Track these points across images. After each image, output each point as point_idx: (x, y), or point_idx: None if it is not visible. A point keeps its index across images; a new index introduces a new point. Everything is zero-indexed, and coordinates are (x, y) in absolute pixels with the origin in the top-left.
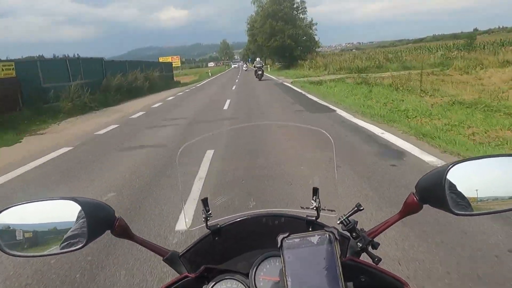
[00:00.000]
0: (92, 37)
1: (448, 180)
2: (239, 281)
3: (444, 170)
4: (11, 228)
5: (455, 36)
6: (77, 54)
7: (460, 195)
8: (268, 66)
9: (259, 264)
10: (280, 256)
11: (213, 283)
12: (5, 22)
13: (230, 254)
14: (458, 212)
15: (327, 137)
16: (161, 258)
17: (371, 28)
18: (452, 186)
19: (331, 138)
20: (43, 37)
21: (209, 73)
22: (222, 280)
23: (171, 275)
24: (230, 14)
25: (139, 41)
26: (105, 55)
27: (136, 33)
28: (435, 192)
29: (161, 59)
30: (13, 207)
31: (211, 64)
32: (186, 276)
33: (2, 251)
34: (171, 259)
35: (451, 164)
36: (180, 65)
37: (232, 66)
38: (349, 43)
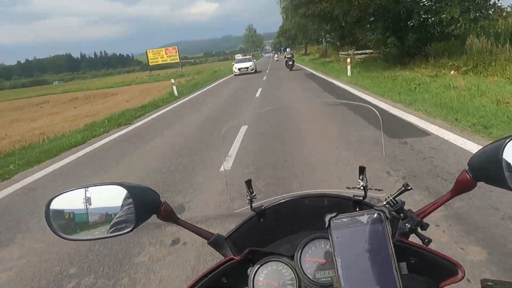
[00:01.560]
0: (125, 35)
1: (505, 155)
2: (284, 263)
3: (501, 145)
4: (64, 213)
5: None
6: (104, 51)
7: None
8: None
9: (304, 246)
10: (325, 238)
11: (258, 266)
12: (44, 23)
13: (274, 236)
14: None
15: (375, 114)
16: (206, 241)
17: None
18: (510, 162)
19: (379, 115)
20: (79, 35)
21: (219, 71)
22: (267, 262)
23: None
24: (260, 5)
25: (171, 37)
26: (136, 52)
27: (168, 29)
28: (490, 169)
29: (150, 53)
30: (64, 193)
31: (238, 56)
32: (231, 259)
33: (56, 234)
34: (216, 242)
35: (508, 139)
36: (178, 60)
37: (264, 55)
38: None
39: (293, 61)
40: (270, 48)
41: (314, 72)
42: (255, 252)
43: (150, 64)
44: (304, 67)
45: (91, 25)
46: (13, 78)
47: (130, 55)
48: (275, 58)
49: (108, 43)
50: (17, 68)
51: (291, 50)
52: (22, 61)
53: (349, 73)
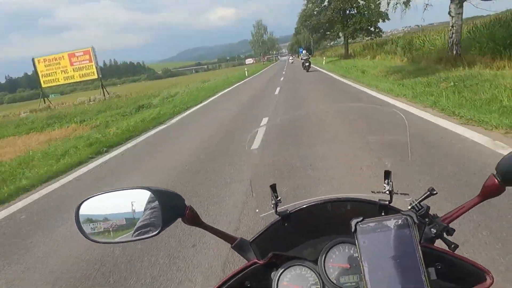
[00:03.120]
0: (145, 42)
1: None
2: (308, 267)
3: None
4: (92, 218)
5: None
6: (114, 59)
7: None
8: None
9: (328, 251)
10: (349, 243)
11: (282, 270)
12: (69, 34)
13: (298, 241)
14: None
15: (400, 117)
16: (230, 245)
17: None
18: None
19: (405, 119)
20: (101, 45)
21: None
22: (291, 266)
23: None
24: (277, 9)
25: (189, 43)
26: (153, 59)
27: (187, 35)
28: None
29: (40, 63)
30: (91, 198)
31: (249, 61)
32: (255, 263)
33: (86, 237)
34: (240, 246)
35: None
36: (96, 75)
37: (281, 59)
38: (406, 27)
39: (310, 63)
40: (286, 51)
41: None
42: (278, 256)
43: (42, 85)
44: None
45: (109, 35)
46: (18, 91)
47: (142, 63)
48: (290, 60)
49: (124, 52)
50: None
51: (307, 52)
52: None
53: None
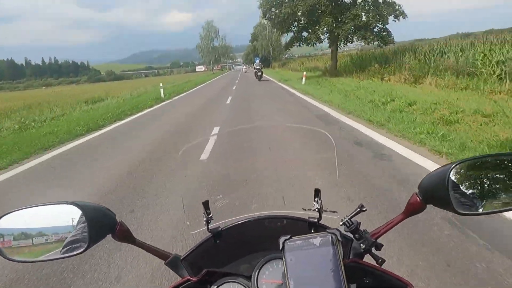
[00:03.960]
0: (96, 41)
1: (451, 179)
2: (241, 284)
3: (447, 170)
4: (11, 234)
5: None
6: (54, 58)
7: (463, 194)
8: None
9: (261, 267)
10: (282, 259)
11: (215, 287)
12: (13, 26)
13: (232, 257)
14: (462, 212)
15: (328, 138)
16: (163, 262)
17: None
18: (455, 186)
19: (332, 139)
20: (49, 41)
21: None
22: (225, 283)
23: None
24: (234, 18)
25: (144, 45)
26: (104, 59)
27: (140, 36)
28: (438, 192)
29: None
30: (12, 212)
31: (200, 68)
32: (188, 280)
33: (2, 256)
34: (173, 263)
35: (454, 164)
36: None
37: (235, 68)
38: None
39: (262, 72)
40: (241, 60)
41: None
42: (212, 273)
43: None
44: None
45: (58, 31)
46: None
47: (86, 63)
48: (244, 70)
49: (73, 50)
50: None
51: (260, 62)
52: None
53: None
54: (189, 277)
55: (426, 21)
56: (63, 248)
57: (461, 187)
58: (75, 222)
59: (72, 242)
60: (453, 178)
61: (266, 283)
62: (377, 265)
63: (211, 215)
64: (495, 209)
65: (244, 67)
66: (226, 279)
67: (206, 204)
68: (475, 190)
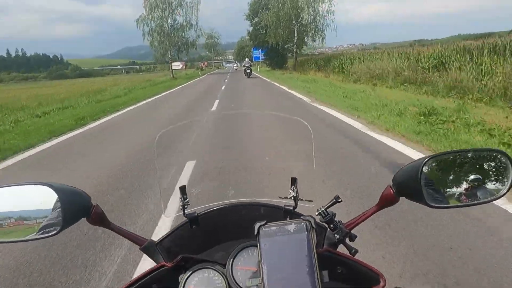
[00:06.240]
0: (84, 35)
1: (423, 173)
2: (216, 270)
3: (420, 164)
4: None
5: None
6: (22, 50)
7: (435, 188)
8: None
9: (236, 254)
10: (257, 246)
11: (189, 273)
12: None
13: (207, 244)
14: (433, 205)
15: (305, 126)
16: (138, 247)
17: (371, 30)
18: (428, 180)
19: (309, 128)
20: (35, 34)
21: None
22: (199, 269)
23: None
24: (224, 14)
25: (131, 40)
26: (93, 53)
27: (129, 32)
28: (411, 186)
29: None
30: None
31: (176, 65)
32: (163, 266)
33: None
34: (148, 248)
35: (426, 158)
36: None
37: (226, 65)
38: (351, 45)
39: (251, 70)
40: (232, 57)
41: None
42: (187, 259)
43: None
44: None
45: (44, 24)
46: None
47: (59, 56)
48: (234, 68)
49: (57, 44)
50: None
51: (249, 60)
52: None
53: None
54: (164, 263)
55: (426, 23)
56: (38, 228)
57: (433, 181)
58: (50, 205)
59: (47, 225)
60: (425, 172)
61: (241, 270)
62: (350, 255)
63: (187, 199)
64: (465, 202)
65: (235, 65)
66: (201, 265)
67: (183, 189)
68: (446, 184)
